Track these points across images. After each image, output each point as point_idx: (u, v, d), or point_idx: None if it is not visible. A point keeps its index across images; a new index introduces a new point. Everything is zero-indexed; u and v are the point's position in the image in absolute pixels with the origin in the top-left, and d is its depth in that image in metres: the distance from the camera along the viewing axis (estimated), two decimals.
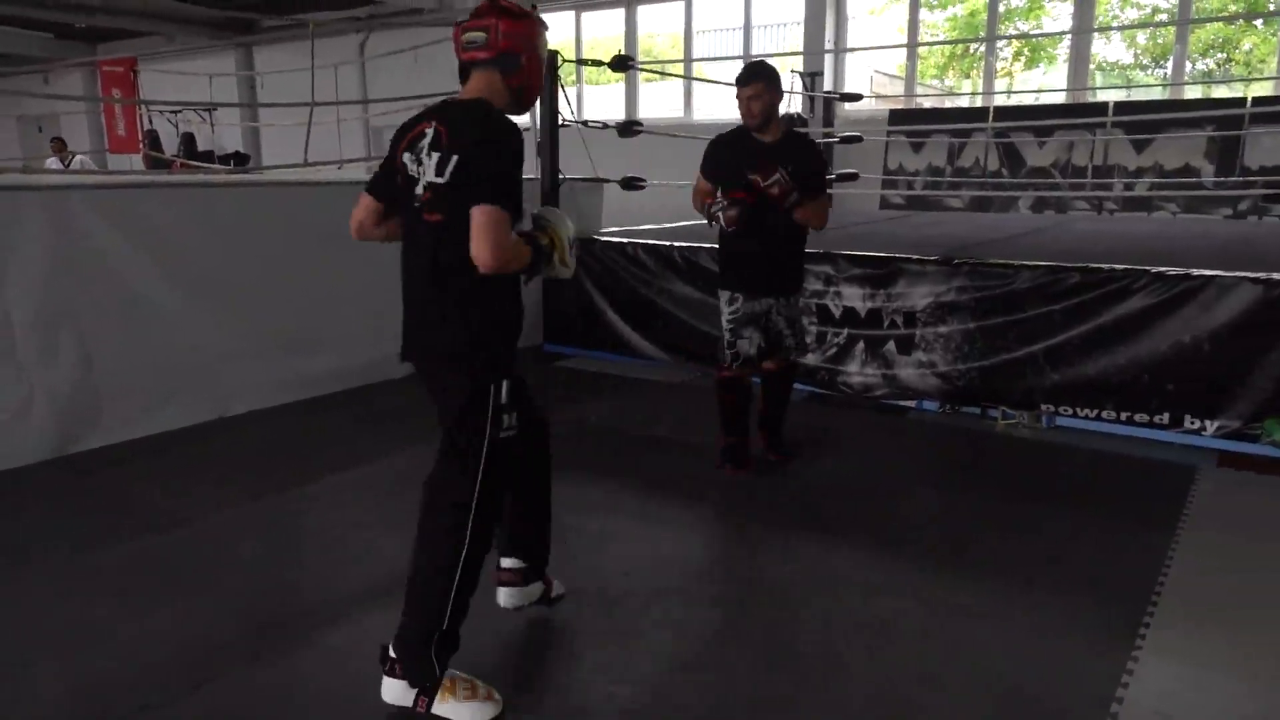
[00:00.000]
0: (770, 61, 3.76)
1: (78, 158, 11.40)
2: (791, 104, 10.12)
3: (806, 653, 2.58)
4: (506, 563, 2.59)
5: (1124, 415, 4.39)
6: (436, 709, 2.18)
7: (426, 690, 2.19)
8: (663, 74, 11.63)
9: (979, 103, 11.12)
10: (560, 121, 6.28)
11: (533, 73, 2.27)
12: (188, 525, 3.43)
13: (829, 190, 2.93)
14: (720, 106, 11.63)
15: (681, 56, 12.04)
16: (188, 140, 13.68)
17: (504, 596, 2.61)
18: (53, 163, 11.12)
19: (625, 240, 6.02)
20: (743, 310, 3.84)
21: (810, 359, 5.17)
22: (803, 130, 4.49)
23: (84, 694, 2.36)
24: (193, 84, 13.60)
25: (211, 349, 4.66)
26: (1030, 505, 3.66)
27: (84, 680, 2.42)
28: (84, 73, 16.37)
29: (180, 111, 13.33)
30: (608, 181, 6.83)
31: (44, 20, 13.90)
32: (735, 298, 3.85)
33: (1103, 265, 4.44)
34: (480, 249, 2.04)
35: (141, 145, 13.89)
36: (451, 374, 2.25)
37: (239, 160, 13.31)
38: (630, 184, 6.77)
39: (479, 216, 2.04)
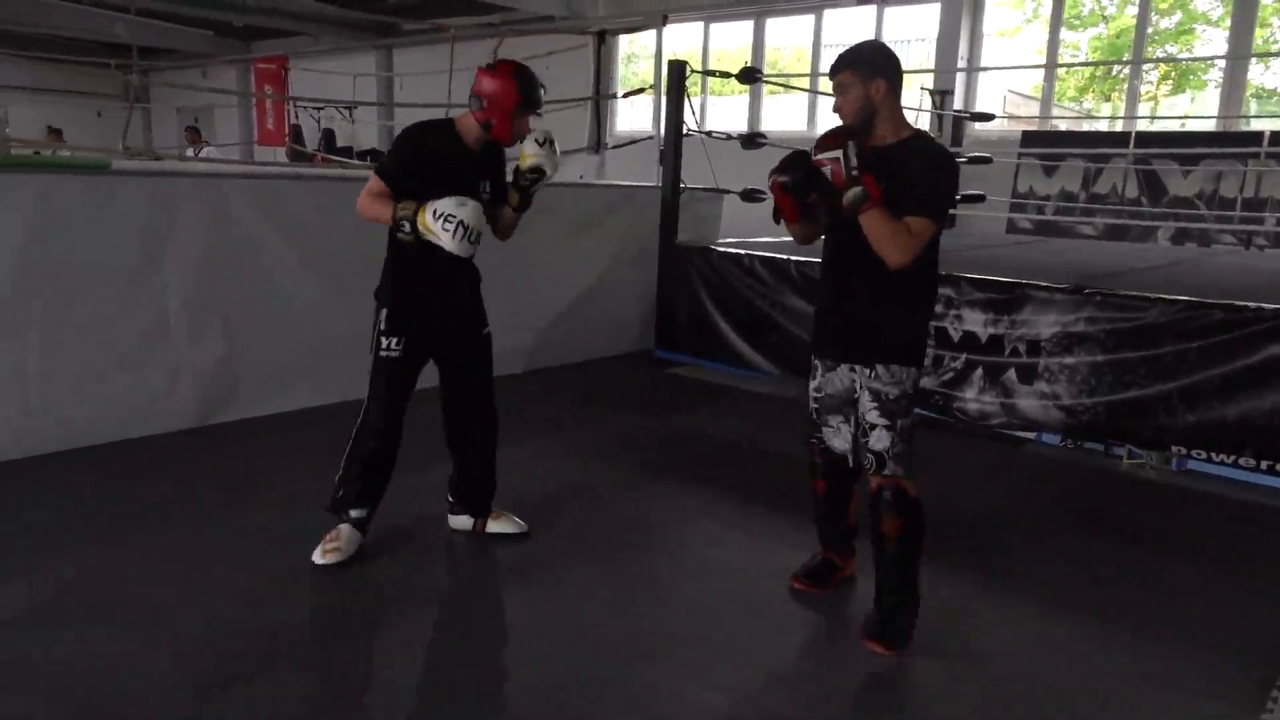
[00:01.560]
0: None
1: (206, 149, 12.06)
2: (919, 122, 9.91)
3: (905, 679, 2.54)
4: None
5: (1264, 464, 4.14)
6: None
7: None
8: (788, 86, 11.57)
9: (1119, 127, 10.64)
10: (684, 131, 6.34)
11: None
12: (304, 502, 3.61)
13: (930, 215, 2.49)
14: None
15: (807, 70, 11.95)
16: (328, 136, 14.35)
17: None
18: (189, 153, 11.85)
19: (742, 252, 6.02)
20: (823, 384, 2.80)
21: (925, 382, 5.06)
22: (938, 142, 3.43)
23: (214, 651, 2.53)
24: (337, 83, 14.28)
25: (339, 335, 4.88)
26: (1154, 552, 3.49)
27: (205, 639, 2.59)
28: (238, 69, 17.40)
29: (323, 108, 14.00)
30: (728, 192, 6.85)
31: (205, 19, 14.84)
32: (815, 365, 2.84)
33: (1249, 304, 4.20)
34: None
35: (286, 139, 14.66)
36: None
37: (375, 156, 13.88)
38: (750, 196, 6.77)
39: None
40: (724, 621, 2.80)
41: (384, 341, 3.02)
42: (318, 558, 3.00)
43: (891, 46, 2.71)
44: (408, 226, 2.79)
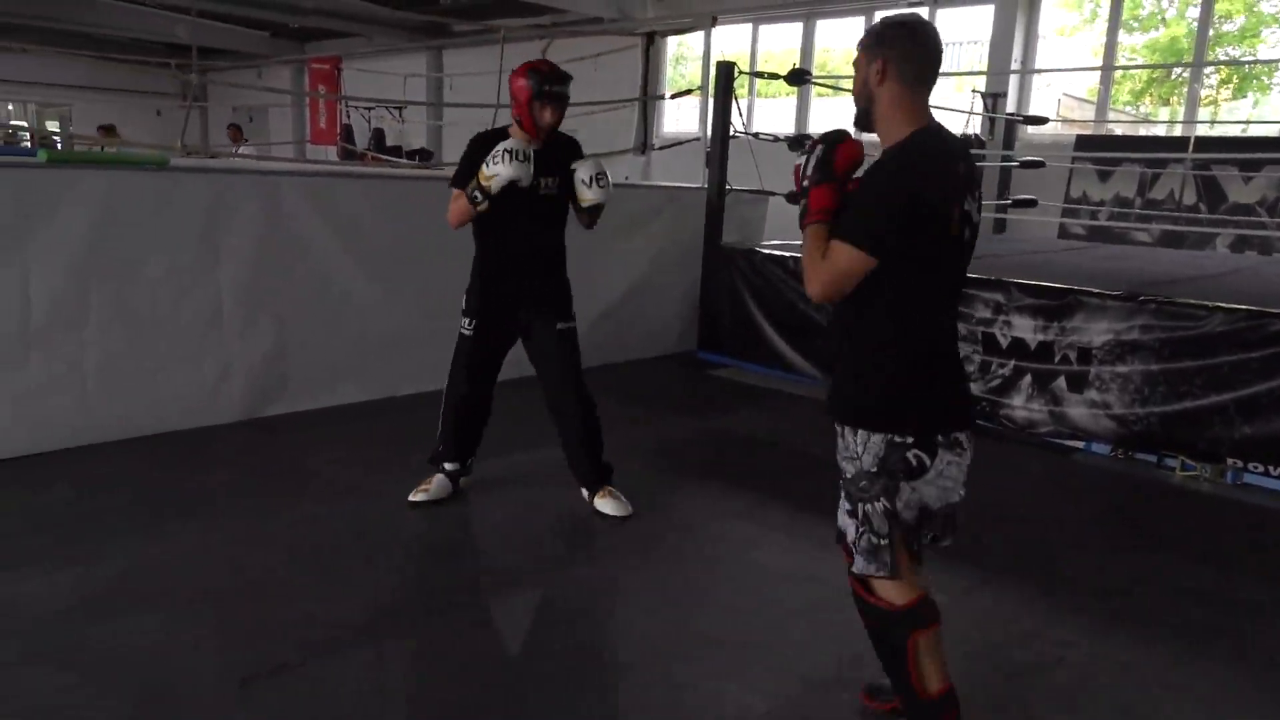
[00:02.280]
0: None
1: (241, 148, 12.23)
2: (970, 124, 9.78)
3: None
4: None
5: None
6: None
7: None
8: (837, 89, 11.50)
9: (1178, 131, 10.39)
10: (731, 133, 6.32)
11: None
12: (354, 496, 3.68)
13: (851, 239, 1.93)
14: None
15: None
16: (378, 135, 14.56)
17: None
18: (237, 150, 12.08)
19: (787, 254, 5.98)
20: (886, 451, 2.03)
21: (971, 388, 4.99)
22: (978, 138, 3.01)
23: (261, 640, 2.58)
24: (388, 83, 14.48)
25: (387, 332, 4.96)
26: (1207, 567, 3.40)
27: (254, 628, 2.64)
28: (293, 69, 17.74)
29: (374, 108, 14.21)
30: (773, 194, 6.82)
31: (262, 19, 15.15)
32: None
33: None
34: None
35: (337, 138, 14.90)
36: None
37: (424, 156, 14.05)
38: (796, 198, 6.73)
39: None
40: (763, 624, 2.79)
41: (463, 321, 3.52)
42: (411, 496, 3.55)
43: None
44: (479, 195, 3.17)
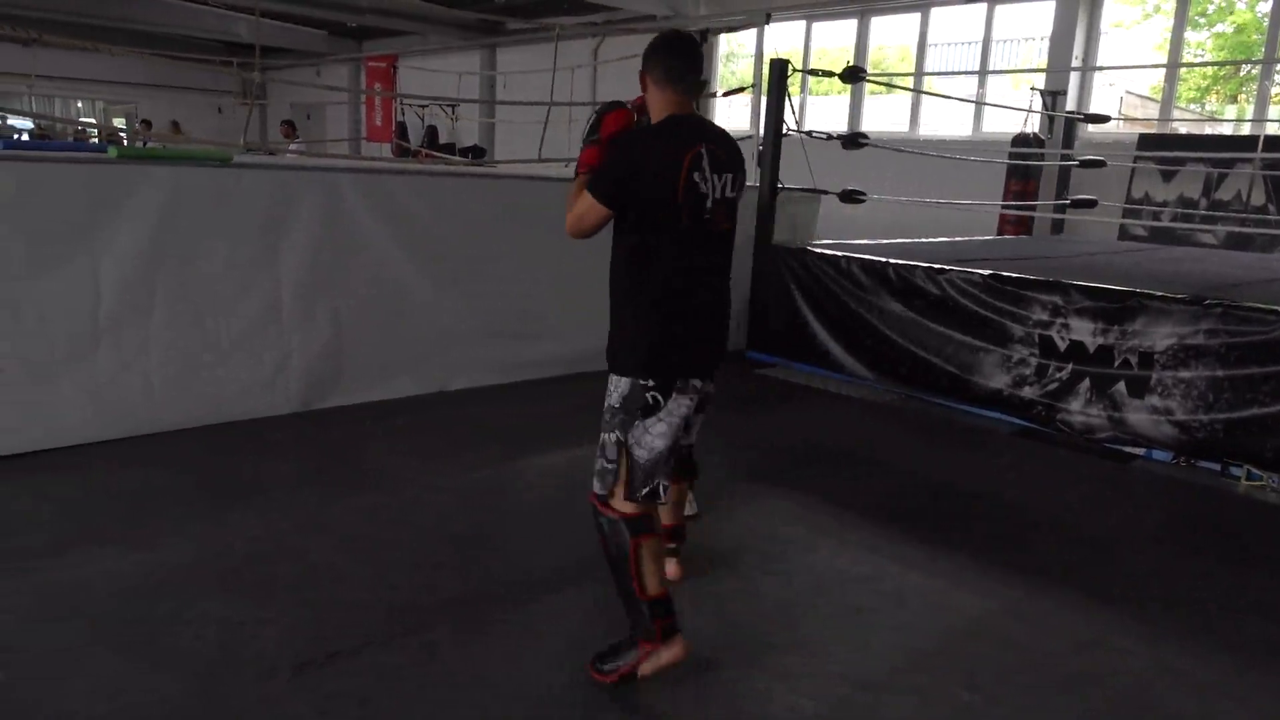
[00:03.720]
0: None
1: (291, 145, 12.43)
2: (1029, 123, 9.59)
3: (1002, 693, 2.47)
4: None
5: None
6: None
7: None
8: (892, 86, 11.35)
9: (1246, 130, 10.08)
10: (783, 131, 6.28)
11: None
12: (409, 487, 3.73)
13: (588, 185, 2.37)
14: (947, 122, 11.20)
15: (911, 70, 11.70)
16: (431, 133, 14.74)
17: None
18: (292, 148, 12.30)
19: (839, 254, 5.93)
20: None
21: (1027, 392, 4.90)
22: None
23: (314, 627, 2.63)
24: (442, 81, 14.66)
25: (440, 327, 5.02)
26: (1267, 577, 3.30)
27: (311, 615, 2.69)
28: (350, 67, 18.05)
29: (428, 106, 14.39)
30: (825, 193, 6.76)
31: (321, 19, 15.44)
32: None
33: None
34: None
35: (392, 135, 15.12)
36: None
37: (477, 154, 14.19)
38: (850, 197, 6.67)
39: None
40: (812, 627, 2.77)
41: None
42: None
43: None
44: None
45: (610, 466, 2.41)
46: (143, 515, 3.32)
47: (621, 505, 2.41)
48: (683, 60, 2.43)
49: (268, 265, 4.37)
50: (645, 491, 2.40)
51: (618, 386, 2.40)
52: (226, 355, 4.29)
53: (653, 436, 2.38)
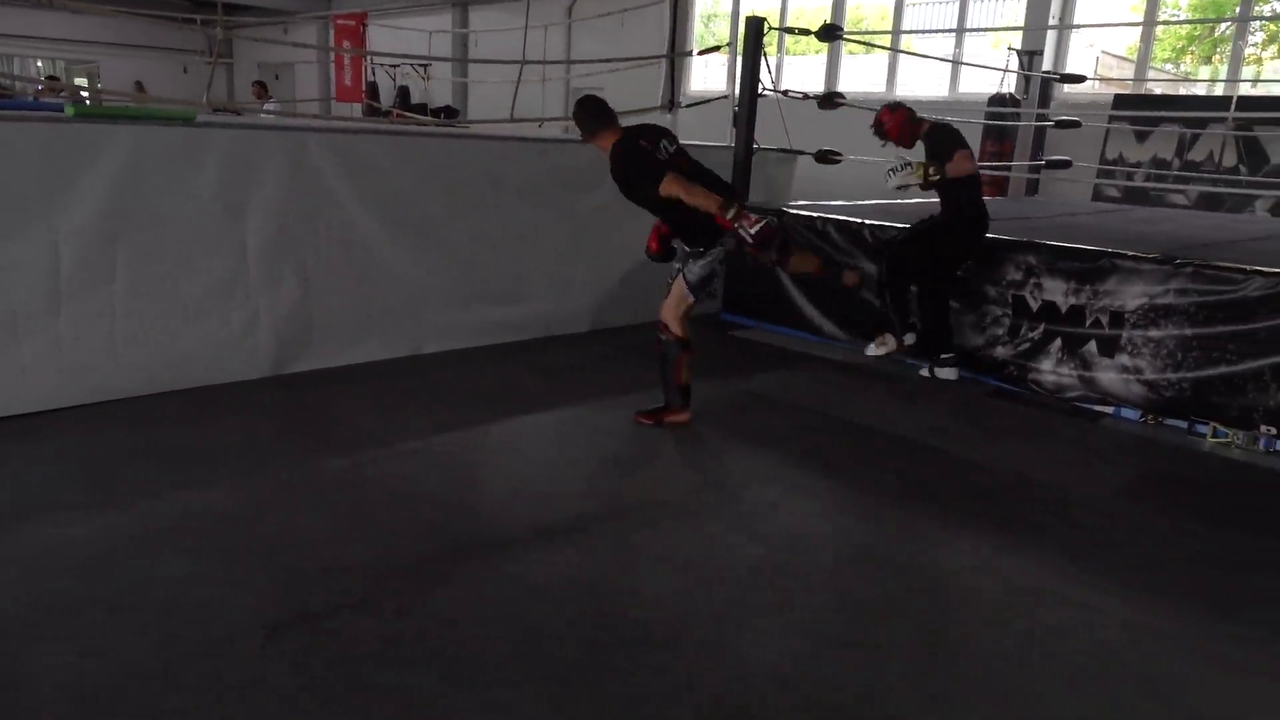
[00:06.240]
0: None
1: (266, 106, 12.17)
2: (1005, 83, 9.56)
3: (966, 648, 2.50)
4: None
5: None
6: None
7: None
8: (870, 45, 11.26)
9: (1220, 90, 10.11)
10: (759, 90, 6.22)
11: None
12: (381, 449, 3.71)
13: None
14: (925, 82, 11.14)
15: (889, 29, 11.61)
16: (403, 93, 14.50)
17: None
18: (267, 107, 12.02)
19: (815, 214, 5.91)
20: None
21: (1000, 352, 4.93)
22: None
23: (287, 590, 2.61)
24: (413, 40, 14.38)
25: (412, 289, 4.96)
26: (1235, 532, 3.36)
27: (282, 577, 2.68)
28: (319, 25, 17.64)
29: (399, 65, 14.13)
30: (801, 153, 6.72)
31: None
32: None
33: None
34: None
35: (362, 95, 14.85)
36: None
37: (449, 114, 13.98)
38: (825, 157, 6.64)
39: None
40: (782, 585, 2.79)
41: None
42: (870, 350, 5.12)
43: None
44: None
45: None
46: (111, 479, 3.28)
47: (676, 329, 3.93)
48: (596, 109, 3.81)
49: (233, 226, 4.28)
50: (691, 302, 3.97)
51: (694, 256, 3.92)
52: (192, 318, 4.21)
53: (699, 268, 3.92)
